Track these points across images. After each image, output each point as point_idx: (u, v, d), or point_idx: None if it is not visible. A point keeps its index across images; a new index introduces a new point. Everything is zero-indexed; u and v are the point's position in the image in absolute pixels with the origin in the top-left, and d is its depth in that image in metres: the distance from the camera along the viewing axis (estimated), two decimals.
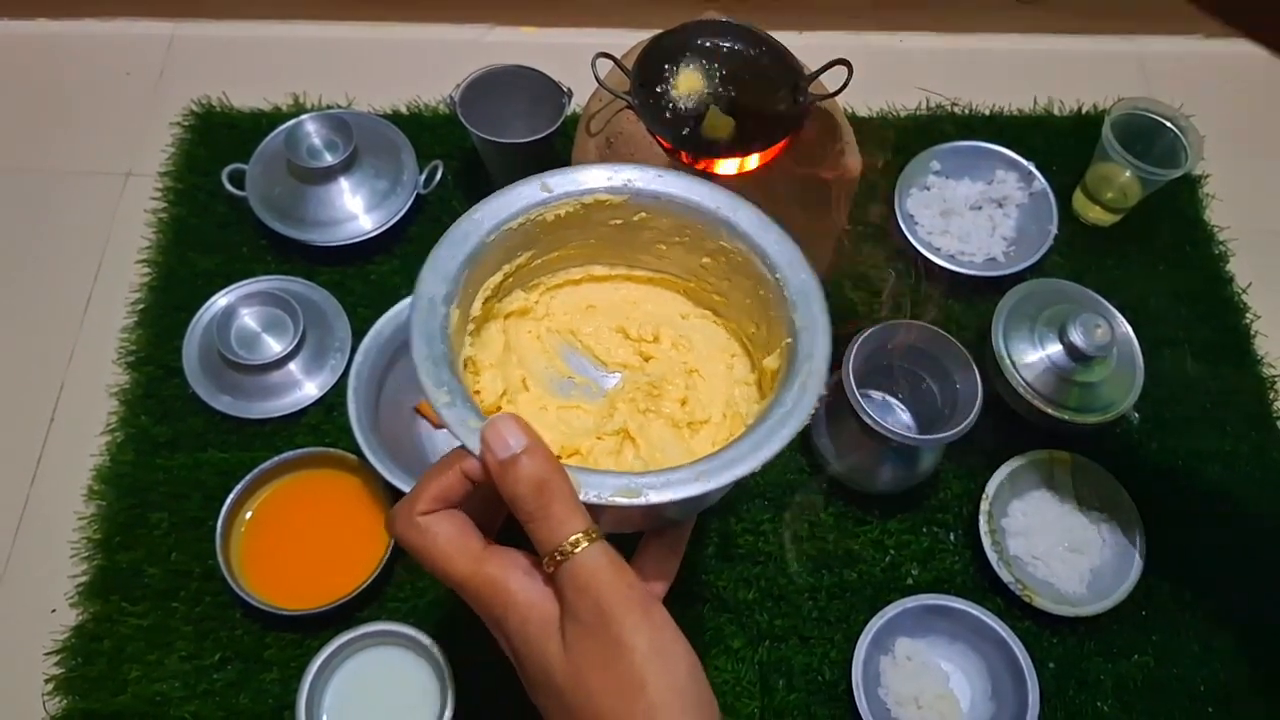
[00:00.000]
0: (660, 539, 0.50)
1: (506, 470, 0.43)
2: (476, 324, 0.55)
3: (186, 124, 1.12)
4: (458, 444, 0.46)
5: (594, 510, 0.44)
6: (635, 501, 0.44)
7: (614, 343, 0.60)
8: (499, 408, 0.53)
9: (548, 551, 0.42)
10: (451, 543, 0.45)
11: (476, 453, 0.44)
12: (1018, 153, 1.06)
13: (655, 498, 0.44)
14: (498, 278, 0.55)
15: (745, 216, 0.55)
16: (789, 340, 0.52)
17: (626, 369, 0.59)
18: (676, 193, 0.56)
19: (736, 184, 0.72)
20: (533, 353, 0.58)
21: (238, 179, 1.01)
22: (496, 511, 0.49)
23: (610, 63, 0.85)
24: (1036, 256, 1.01)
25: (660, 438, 0.55)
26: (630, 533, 0.49)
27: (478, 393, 0.52)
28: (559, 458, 0.45)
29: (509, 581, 0.44)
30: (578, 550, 0.42)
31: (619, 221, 0.57)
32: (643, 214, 0.56)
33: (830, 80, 0.84)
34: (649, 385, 0.57)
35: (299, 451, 0.88)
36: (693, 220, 0.56)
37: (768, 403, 0.50)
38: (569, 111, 0.98)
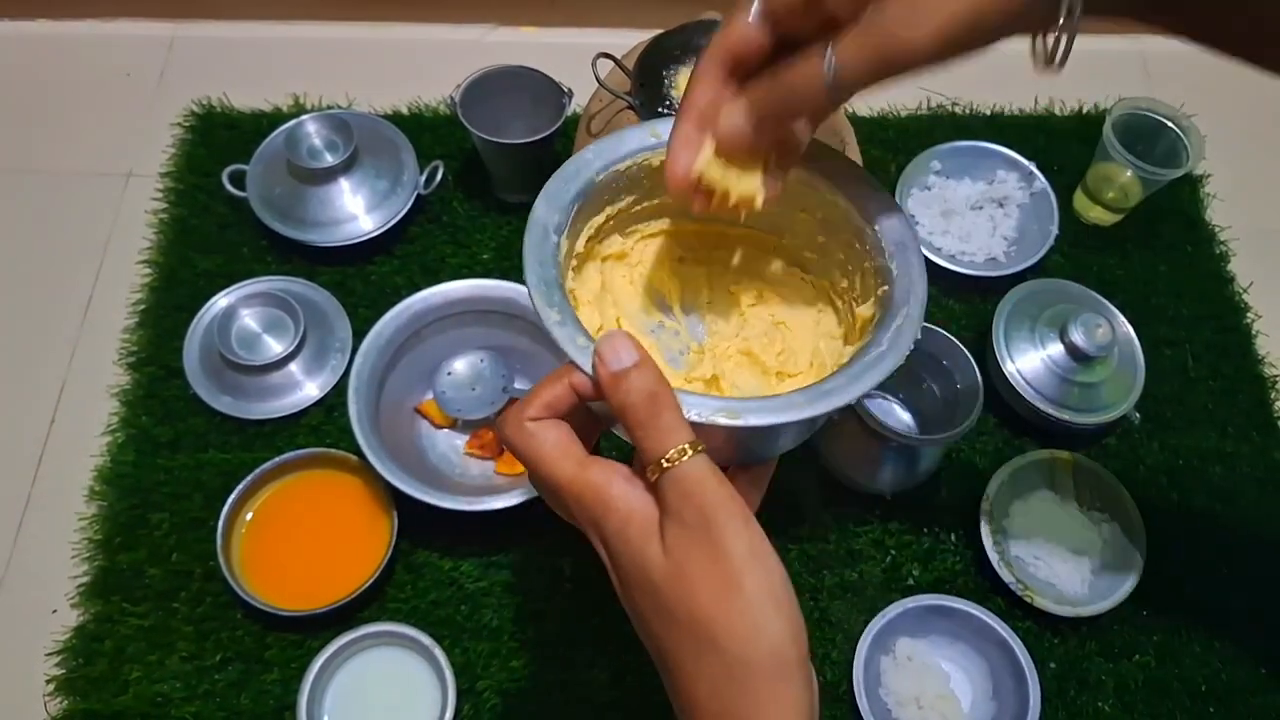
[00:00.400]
0: (746, 474, 0.53)
1: (619, 381, 0.45)
2: (579, 260, 0.56)
3: (187, 124, 1.12)
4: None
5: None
6: (735, 423, 0.45)
7: (703, 293, 0.61)
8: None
9: (654, 459, 0.44)
10: (558, 447, 0.47)
11: (585, 369, 0.46)
12: (1019, 153, 1.06)
13: (755, 420, 0.45)
14: (600, 218, 0.56)
15: (842, 169, 0.56)
16: (885, 288, 0.53)
17: (714, 319, 0.60)
18: None
19: None
20: (626, 295, 0.59)
21: (238, 179, 1.01)
22: (588, 435, 0.51)
23: (611, 63, 0.85)
24: (1037, 256, 1.01)
25: (747, 385, 0.56)
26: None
27: None
28: None
29: (611, 487, 0.46)
30: (685, 458, 0.44)
31: None
32: None
33: None
34: (737, 336, 0.58)
35: (300, 452, 0.88)
36: (791, 174, 0.56)
37: (863, 343, 0.51)
38: (569, 112, 0.98)
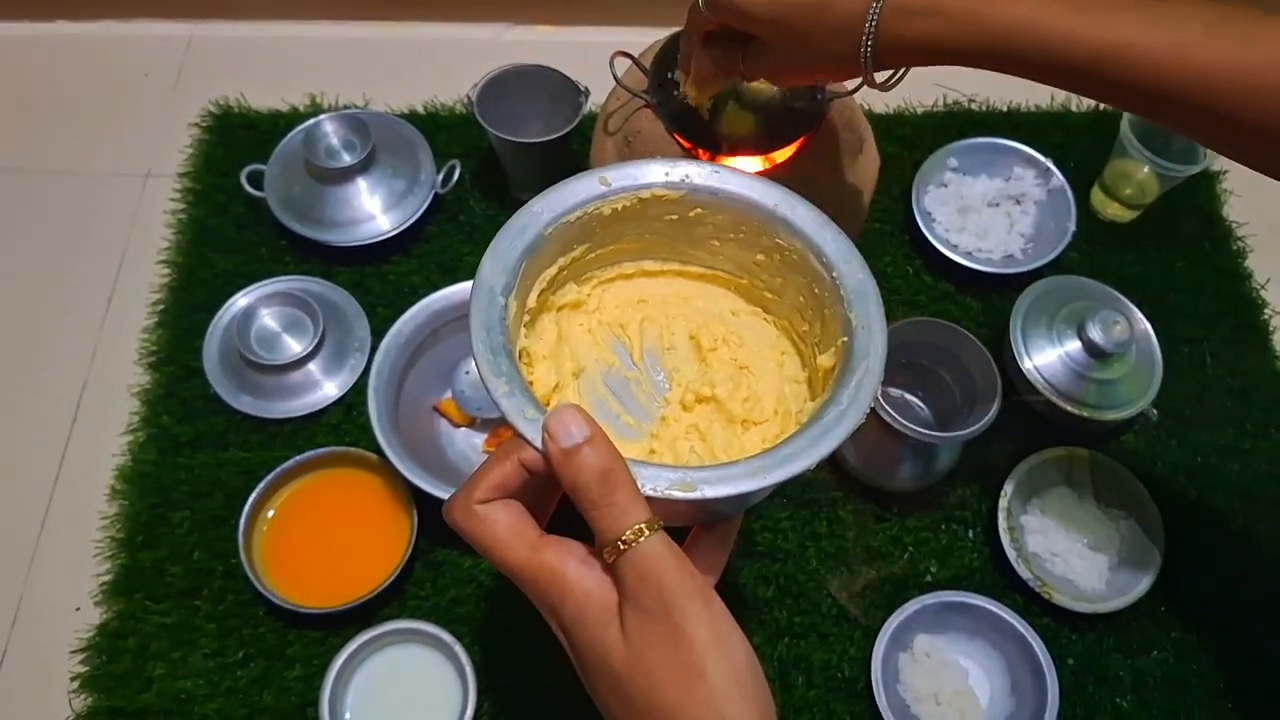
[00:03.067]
0: (710, 534, 0.51)
1: (570, 459, 0.43)
2: (531, 315, 0.55)
3: (205, 125, 1.13)
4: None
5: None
6: (691, 495, 0.44)
7: (664, 338, 0.60)
8: (550, 400, 0.54)
9: (610, 540, 0.43)
10: (509, 530, 0.46)
11: (535, 443, 0.45)
12: (1036, 149, 1.06)
13: (710, 492, 0.44)
14: (553, 270, 0.55)
15: (802, 214, 0.55)
16: (844, 339, 0.52)
17: (676, 365, 0.60)
18: (733, 189, 0.56)
19: None
20: (584, 345, 0.58)
21: (256, 179, 1.02)
22: (545, 505, 0.50)
23: (628, 61, 0.85)
24: (1054, 253, 1.00)
25: (715, 434, 0.55)
26: (678, 526, 0.49)
27: (531, 384, 0.52)
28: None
29: (566, 569, 0.45)
30: (641, 540, 0.42)
31: (674, 217, 0.57)
32: (699, 210, 0.56)
33: None
34: (701, 383, 0.58)
35: (320, 451, 0.89)
36: (749, 216, 0.56)
37: (822, 400, 0.50)
38: (586, 110, 0.98)
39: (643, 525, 0.43)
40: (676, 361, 0.59)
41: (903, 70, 0.68)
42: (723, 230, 0.58)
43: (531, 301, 0.54)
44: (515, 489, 0.47)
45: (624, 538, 0.42)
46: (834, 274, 0.53)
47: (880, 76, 0.68)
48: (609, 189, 0.54)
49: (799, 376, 0.58)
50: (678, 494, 0.44)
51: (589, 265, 0.58)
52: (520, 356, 0.53)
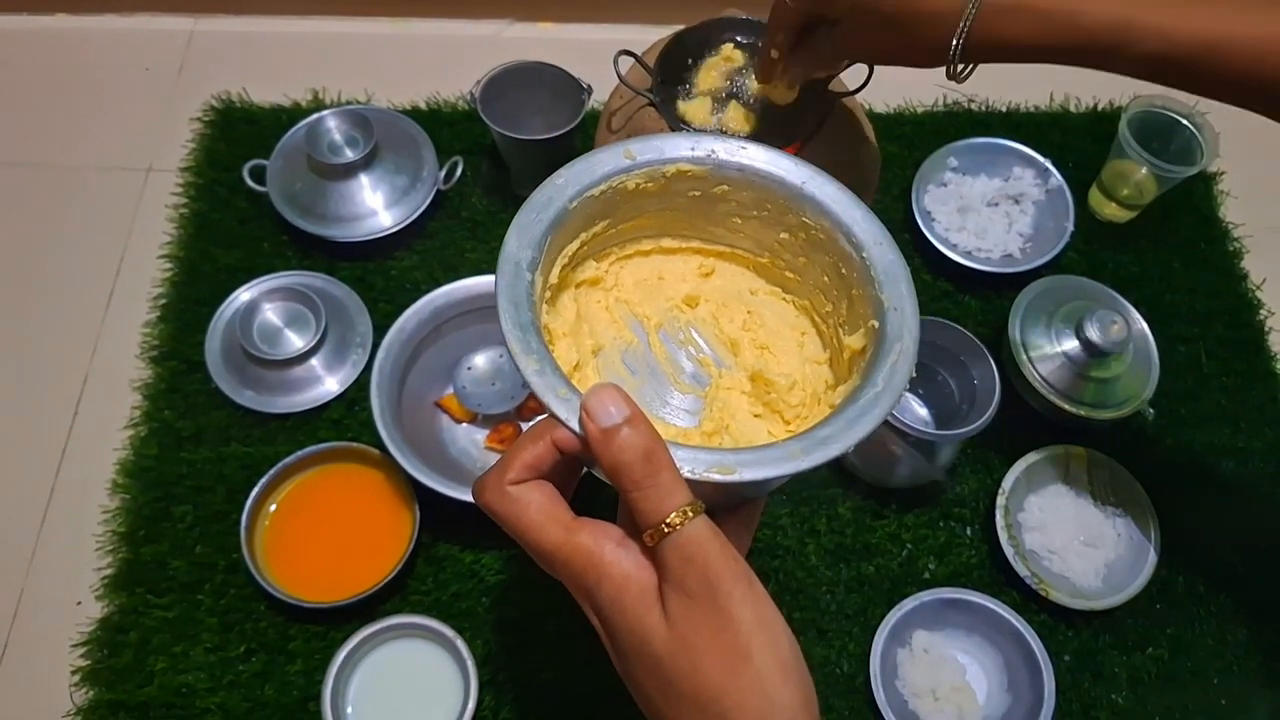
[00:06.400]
0: (735, 515, 0.50)
1: (610, 439, 0.42)
2: (553, 292, 0.54)
3: (207, 119, 1.13)
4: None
5: None
6: (730, 478, 0.43)
7: (683, 316, 0.59)
8: (571, 379, 0.54)
9: (654, 522, 0.42)
10: (543, 511, 0.45)
11: (569, 423, 0.44)
12: (1034, 150, 1.06)
13: (749, 474, 0.44)
14: (575, 245, 0.54)
15: (830, 192, 0.54)
16: (875, 321, 0.51)
17: (697, 345, 0.59)
18: (760, 166, 0.55)
19: None
20: (603, 323, 0.57)
21: (258, 174, 1.02)
22: (568, 483, 0.48)
23: (632, 59, 0.85)
24: (1053, 253, 1.01)
25: (741, 415, 0.55)
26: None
27: None
28: None
29: (603, 552, 0.44)
30: (686, 522, 0.42)
31: (697, 193, 0.56)
32: (724, 186, 0.55)
33: (850, 77, 0.84)
34: (723, 364, 0.57)
35: (322, 446, 0.89)
36: (774, 193, 0.55)
37: (855, 383, 0.49)
38: (589, 108, 0.98)
39: (687, 508, 0.42)
40: (697, 340, 0.58)
41: (974, 65, 0.67)
42: (746, 207, 0.57)
43: (554, 278, 0.53)
44: (547, 469, 0.45)
45: (668, 520, 0.42)
46: (864, 254, 0.53)
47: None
48: (634, 162, 0.53)
49: (820, 357, 0.57)
50: (716, 476, 0.43)
51: (608, 241, 0.57)
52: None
